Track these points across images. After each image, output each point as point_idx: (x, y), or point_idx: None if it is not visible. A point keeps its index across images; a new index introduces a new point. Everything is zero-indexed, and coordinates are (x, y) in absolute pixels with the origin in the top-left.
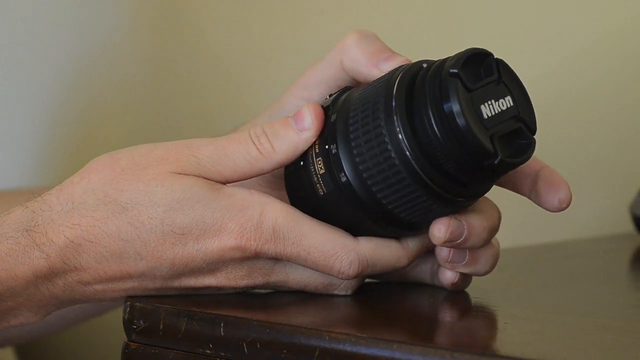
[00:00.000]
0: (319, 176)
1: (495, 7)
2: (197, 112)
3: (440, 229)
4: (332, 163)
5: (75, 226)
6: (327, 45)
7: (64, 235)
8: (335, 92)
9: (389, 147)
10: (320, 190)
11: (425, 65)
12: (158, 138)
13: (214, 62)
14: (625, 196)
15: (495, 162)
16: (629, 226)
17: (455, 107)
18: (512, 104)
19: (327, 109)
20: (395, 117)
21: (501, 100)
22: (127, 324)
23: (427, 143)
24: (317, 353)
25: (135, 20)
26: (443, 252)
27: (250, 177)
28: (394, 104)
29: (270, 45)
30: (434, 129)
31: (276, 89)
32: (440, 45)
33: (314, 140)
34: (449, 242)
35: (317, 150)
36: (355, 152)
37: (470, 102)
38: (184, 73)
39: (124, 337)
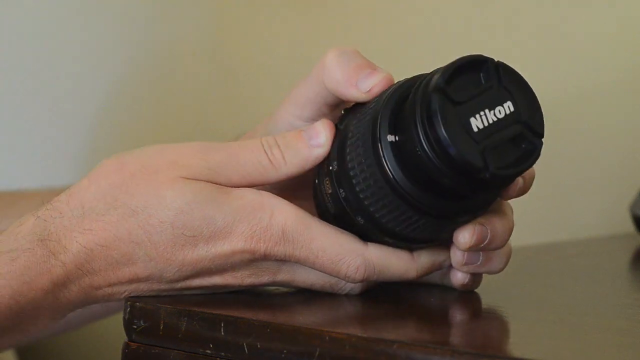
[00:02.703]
0: (327, 195)
1: (497, 8)
2: (199, 114)
3: (464, 236)
4: (334, 182)
5: (87, 231)
6: (324, 40)
7: (77, 242)
8: (348, 108)
9: (374, 167)
10: (331, 208)
11: (409, 81)
12: (156, 139)
13: (222, 65)
14: (625, 196)
15: (487, 176)
16: (629, 226)
17: (438, 126)
18: (512, 109)
19: (336, 127)
20: (380, 145)
21: (498, 108)
22: (128, 324)
23: (414, 162)
24: (317, 353)
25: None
26: (457, 256)
27: (258, 185)
28: (379, 133)
29: (269, 39)
30: (423, 147)
31: (275, 84)
32: (445, 44)
33: (324, 157)
34: (474, 247)
35: (325, 170)
36: (351, 172)
37: (456, 117)
38: (185, 73)
39: (124, 337)
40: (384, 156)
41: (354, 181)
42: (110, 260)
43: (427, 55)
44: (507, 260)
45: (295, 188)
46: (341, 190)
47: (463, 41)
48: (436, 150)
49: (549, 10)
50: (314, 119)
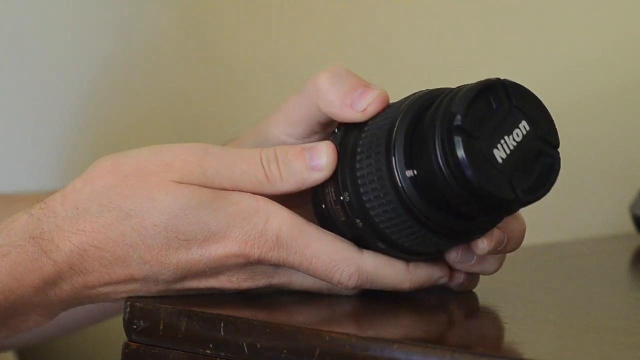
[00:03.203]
0: (340, 222)
1: (498, 9)
2: (194, 115)
3: (483, 242)
4: (348, 212)
5: (80, 232)
6: (325, 50)
7: (70, 241)
8: (341, 128)
9: (396, 203)
10: (346, 233)
11: (428, 99)
12: (155, 140)
13: (220, 67)
14: (625, 196)
15: (517, 205)
16: (629, 226)
17: (466, 168)
18: (528, 128)
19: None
20: (398, 181)
21: (516, 131)
22: (127, 324)
23: (437, 194)
24: (317, 353)
25: (143, 23)
26: (451, 254)
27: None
28: (395, 168)
29: (263, 38)
30: (449, 184)
31: (277, 92)
32: (443, 44)
33: (323, 180)
34: (492, 252)
35: (334, 198)
36: (367, 205)
37: (481, 152)
38: (185, 74)
39: (124, 337)
40: (405, 192)
41: (372, 213)
42: (103, 261)
43: (424, 55)
44: (501, 262)
45: (293, 194)
46: (358, 221)
47: (461, 41)
48: (464, 187)
49: (549, 12)
50: (306, 136)
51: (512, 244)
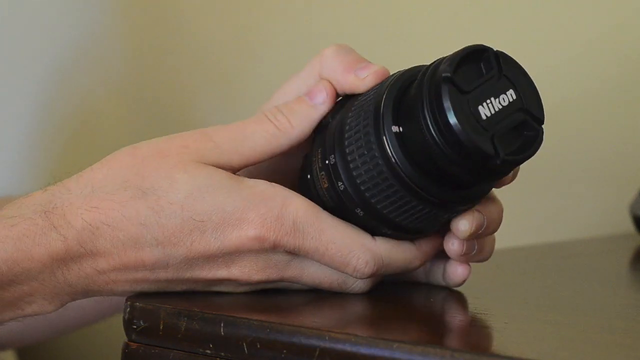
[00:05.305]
0: (324, 190)
1: (497, 8)
2: (185, 108)
3: (464, 224)
4: (332, 175)
5: (94, 209)
6: (316, 37)
7: (82, 218)
8: (336, 102)
9: (379, 159)
10: (327, 202)
11: (418, 70)
12: (145, 135)
13: (202, 57)
14: (625, 196)
15: (498, 162)
16: (629, 226)
17: (450, 115)
18: (515, 97)
19: (328, 120)
20: (384, 136)
21: (502, 96)
22: (127, 324)
23: (421, 150)
24: (317, 353)
25: (120, 14)
26: (456, 247)
27: (270, 156)
28: (382, 124)
29: (259, 38)
30: (432, 135)
31: (264, 81)
32: (440, 41)
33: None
34: (473, 235)
35: (319, 164)
36: (351, 165)
37: (466, 105)
38: (171, 68)
39: (124, 337)
40: (389, 147)
41: (354, 173)
42: (115, 241)
43: (421, 54)
44: (493, 246)
45: (280, 160)
46: (340, 184)
47: (459, 37)
48: (446, 137)
49: (551, 9)
50: None
51: (492, 226)
